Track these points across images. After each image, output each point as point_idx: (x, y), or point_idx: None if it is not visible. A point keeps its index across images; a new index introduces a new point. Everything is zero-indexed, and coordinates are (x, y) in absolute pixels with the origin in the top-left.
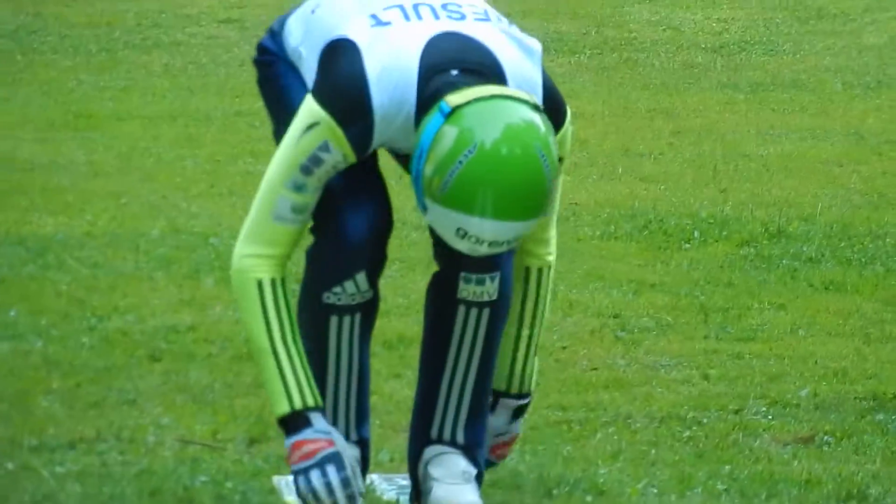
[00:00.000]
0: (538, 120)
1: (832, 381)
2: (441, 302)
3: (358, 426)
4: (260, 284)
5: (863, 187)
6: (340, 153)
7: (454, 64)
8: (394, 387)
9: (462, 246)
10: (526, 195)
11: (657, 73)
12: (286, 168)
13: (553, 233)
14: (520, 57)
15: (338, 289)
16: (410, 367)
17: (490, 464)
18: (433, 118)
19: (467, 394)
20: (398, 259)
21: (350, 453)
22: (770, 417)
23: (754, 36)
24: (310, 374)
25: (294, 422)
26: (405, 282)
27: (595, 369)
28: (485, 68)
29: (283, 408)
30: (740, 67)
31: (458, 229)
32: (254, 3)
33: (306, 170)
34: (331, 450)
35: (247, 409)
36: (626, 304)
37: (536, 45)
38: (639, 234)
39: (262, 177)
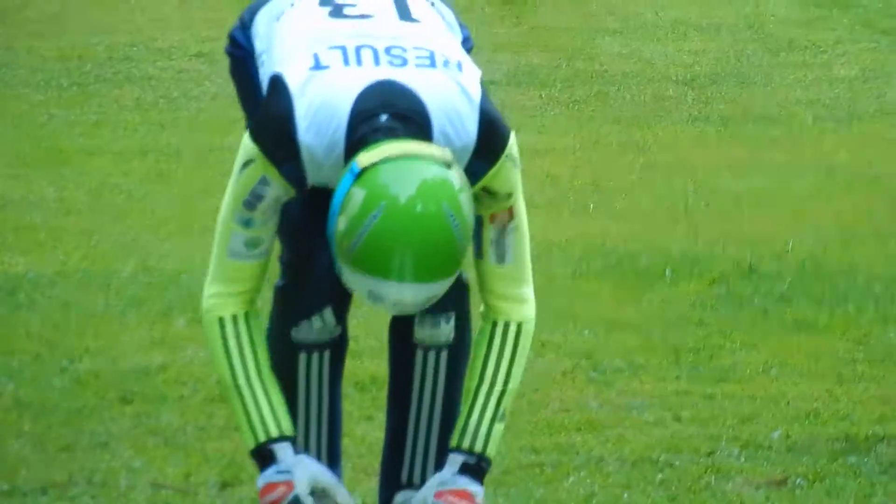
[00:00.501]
0: (449, 177)
1: (804, 422)
2: (400, 346)
3: (330, 468)
4: (221, 322)
5: (834, 223)
6: (280, 187)
7: (383, 109)
8: (366, 429)
9: (377, 306)
10: (433, 256)
11: (628, 106)
12: (232, 204)
13: (526, 291)
14: (455, 101)
15: (304, 323)
16: (382, 410)
17: None
18: (344, 179)
19: (434, 437)
20: None
21: (323, 479)
22: (742, 460)
23: (725, 68)
24: (276, 403)
25: (260, 457)
26: (377, 323)
27: (567, 411)
28: (413, 114)
29: (249, 443)
30: (711, 100)
31: (370, 292)
32: (225, 37)
33: (249, 205)
34: (288, 498)
35: (219, 451)
36: (598, 344)
37: (475, 90)
38: (611, 272)
39: None
